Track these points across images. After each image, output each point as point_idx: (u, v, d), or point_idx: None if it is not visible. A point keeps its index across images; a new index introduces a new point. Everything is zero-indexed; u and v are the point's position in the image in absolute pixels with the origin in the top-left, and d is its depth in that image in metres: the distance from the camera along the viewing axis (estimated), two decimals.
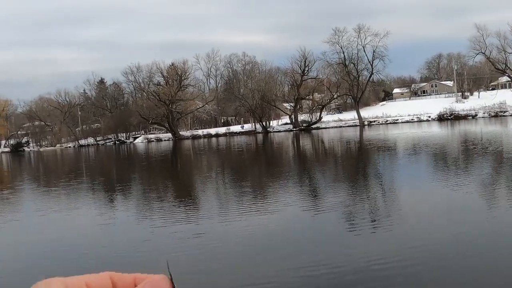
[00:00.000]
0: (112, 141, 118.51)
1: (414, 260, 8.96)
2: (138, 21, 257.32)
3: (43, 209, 19.69)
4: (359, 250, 9.99)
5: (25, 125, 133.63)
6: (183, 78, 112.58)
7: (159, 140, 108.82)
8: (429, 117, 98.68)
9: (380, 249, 9.87)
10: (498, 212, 12.62)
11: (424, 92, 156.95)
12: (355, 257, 9.51)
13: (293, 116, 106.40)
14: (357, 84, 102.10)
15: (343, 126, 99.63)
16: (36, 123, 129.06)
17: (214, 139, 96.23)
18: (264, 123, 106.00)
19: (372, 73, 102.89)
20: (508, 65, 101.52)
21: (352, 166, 29.15)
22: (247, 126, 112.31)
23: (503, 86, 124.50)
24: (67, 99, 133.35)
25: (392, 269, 8.57)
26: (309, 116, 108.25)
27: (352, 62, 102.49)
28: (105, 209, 18.90)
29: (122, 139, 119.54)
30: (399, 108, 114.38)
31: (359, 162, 31.83)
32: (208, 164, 40.70)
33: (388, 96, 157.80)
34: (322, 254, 9.94)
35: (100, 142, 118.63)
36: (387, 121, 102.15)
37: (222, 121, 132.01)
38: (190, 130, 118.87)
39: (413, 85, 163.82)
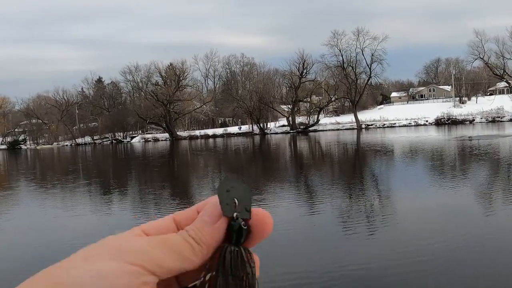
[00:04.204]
0: (109, 140, 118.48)
1: (407, 264, 8.96)
2: (137, 20, 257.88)
3: (41, 208, 19.65)
4: (352, 254, 9.98)
5: (22, 122, 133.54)
6: (181, 78, 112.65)
7: (156, 140, 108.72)
8: (427, 121, 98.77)
9: (369, 252, 9.87)
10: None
11: (422, 96, 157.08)
12: (346, 261, 9.50)
13: (290, 118, 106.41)
14: (355, 87, 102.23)
15: (341, 129, 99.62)
16: (34, 121, 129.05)
17: (211, 140, 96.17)
18: (261, 125, 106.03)
19: (370, 77, 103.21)
20: (506, 71, 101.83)
21: (348, 170, 29.13)
22: (245, 128, 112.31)
23: (501, 92, 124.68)
24: (65, 98, 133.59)
25: (381, 273, 8.57)
26: (307, 118, 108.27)
27: (350, 65, 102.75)
28: (102, 208, 18.86)
29: (119, 138, 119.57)
30: (397, 112, 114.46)
31: (355, 165, 31.82)
32: (205, 165, 40.64)
33: (386, 99, 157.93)
34: (314, 258, 9.93)
35: (97, 141, 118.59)
36: (384, 124, 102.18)
37: (220, 122, 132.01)
38: (188, 131, 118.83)
39: (411, 89, 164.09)
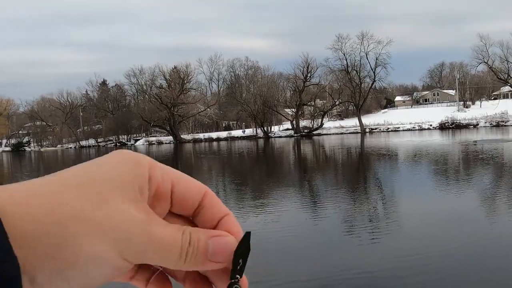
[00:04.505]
0: (113, 142, 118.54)
1: (408, 271, 8.95)
2: (141, 23, 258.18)
3: None
4: (355, 259, 9.96)
5: (26, 125, 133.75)
6: (185, 81, 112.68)
7: (160, 143, 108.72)
8: (431, 125, 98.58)
9: (372, 258, 9.85)
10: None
11: (426, 100, 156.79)
12: (349, 267, 9.49)
13: (294, 122, 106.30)
14: (359, 91, 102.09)
15: (345, 133, 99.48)
16: (38, 123, 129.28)
17: (215, 143, 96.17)
18: (265, 128, 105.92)
19: (374, 81, 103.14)
20: (511, 75, 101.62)
21: (352, 174, 29.10)
22: (249, 131, 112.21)
23: (505, 96, 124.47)
24: (69, 100, 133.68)
25: (385, 279, 8.56)
26: (311, 122, 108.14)
27: (354, 69, 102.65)
28: None
29: (123, 141, 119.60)
30: (401, 116, 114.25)
31: (359, 169, 31.78)
32: (209, 168, 40.65)
33: (390, 103, 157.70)
34: (317, 264, 9.92)
35: (101, 144, 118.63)
36: (388, 128, 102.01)
37: (224, 125, 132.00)
38: (192, 134, 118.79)
39: (415, 93, 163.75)
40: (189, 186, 0.60)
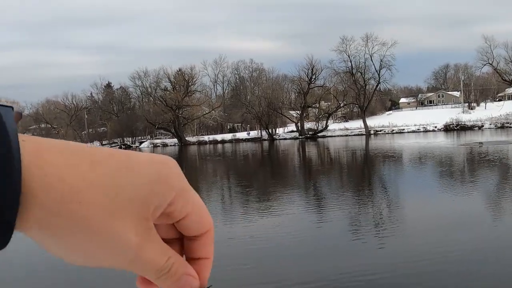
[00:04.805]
0: (118, 145, 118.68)
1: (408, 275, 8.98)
2: (146, 26, 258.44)
3: None
4: (360, 263, 9.99)
5: (31, 127, 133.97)
6: (190, 84, 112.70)
7: (165, 145, 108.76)
8: (435, 127, 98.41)
9: (378, 262, 9.88)
10: None
11: (430, 102, 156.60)
12: (351, 269, 9.52)
13: (299, 124, 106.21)
14: (364, 93, 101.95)
15: (349, 135, 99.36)
16: (43, 125, 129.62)
17: (220, 145, 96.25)
18: (270, 131, 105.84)
19: (379, 82, 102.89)
20: None
21: (358, 176, 29.12)
22: (253, 133, 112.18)
23: (510, 97, 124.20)
24: (74, 102, 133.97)
25: (390, 282, 8.59)
26: (315, 124, 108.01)
27: (359, 71, 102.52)
28: None
29: (128, 143, 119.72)
30: (406, 117, 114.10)
31: (365, 172, 31.79)
32: (214, 170, 40.73)
33: (394, 105, 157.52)
34: (322, 267, 9.95)
35: (106, 146, 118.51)
36: (393, 130, 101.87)
37: (228, 127, 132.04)
38: (196, 136, 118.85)
39: (419, 95, 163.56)
40: (199, 220, 0.63)
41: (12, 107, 0.52)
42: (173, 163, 0.60)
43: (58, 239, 0.53)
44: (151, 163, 0.58)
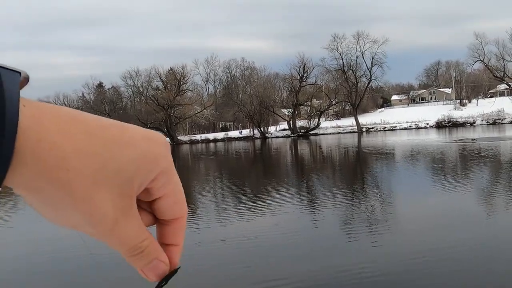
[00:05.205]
0: None
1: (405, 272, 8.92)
2: (137, 25, 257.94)
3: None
4: (352, 261, 9.93)
5: None
6: (181, 83, 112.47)
7: None
8: (427, 124, 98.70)
9: (373, 260, 9.82)
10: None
11: (422, 99, 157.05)
12: (346, 268, 9.46)
13: (291, 122, 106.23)
14: (356, 91, 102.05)
15: (341, 133, 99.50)
16: None
17: (212, 144, 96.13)
18: (262, 129, 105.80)
19: (370, 80, 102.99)
20: (507, 73, 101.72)
21: (349, 173, 29.07)
22: (245, 132, 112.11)
23: (501, 94, 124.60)
24: (66, 103, 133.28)
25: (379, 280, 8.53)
26: (307, 122, 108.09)
27: (350, 69, 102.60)
28: None
29: None
30: (397, 115, 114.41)
31: (357, 170, 31.76)
32: (206, 169, 40.63)
33: (386, 103, 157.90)
34: (315, 266, 9.88)
35: None
36: (385, 128, 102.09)
37: (220, 126, 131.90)
38: (188, 135, 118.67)
39: (411, 92, 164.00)
40: (174, 205, 0.65)
41: (19, 72, 0.56)
42: (164, 141, 0.62)
43: (43, 200, 0.55)
44: (143, 139, 0.60)
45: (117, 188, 0.57)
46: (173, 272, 0.66)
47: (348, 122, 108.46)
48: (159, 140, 0.61)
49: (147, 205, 0.65)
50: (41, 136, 0.52)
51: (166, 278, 0.65)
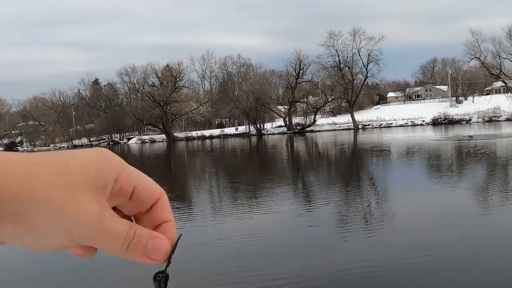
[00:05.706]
0: (106, 141, 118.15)
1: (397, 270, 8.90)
2: (133, 22, 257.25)
3: None
4: (349, 259, 9.91)
5: (19, 124, 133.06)
6: (177, 79, 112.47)
7: (153, 141, 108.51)
8: (423, 121, 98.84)
9: (368, 257, 9.79)
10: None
11: (418, 96, 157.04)
12: (343, 266, 9.43)
13: (287, 119, 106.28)
14: (352, 88, 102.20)
15: (337, 130, 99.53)
16: (30, 122, 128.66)
17: (208, 141, 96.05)
18: (258, 126, 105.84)
19: (366, 77, 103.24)
20: (503, 70, 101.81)
21: (345, 170, 29.06)
22: (241, 128, 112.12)
23: (497, 91, 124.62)
24: (62, 99, 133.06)
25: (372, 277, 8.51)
26: (303, 119, 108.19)
27: (347, 66, 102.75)
28: None
29: (116, 139, 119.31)
30: (393, 112, 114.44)
31: (352, 165, 31.75)
32: (202, 166, 40.58)
33: (382, 100, 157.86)
34: (311, 264, 9.85)
35: (94, 143, 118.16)
36: (381, 125, 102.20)
37: (216, 123, 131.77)
38: (184, 132, 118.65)
39: (407, 89, 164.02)
40: (147, 189, 0.67)
41: None
42: (106, 150, 0.64)
43: (25, 228, 0.58)
44: (88, 150, 0.64)
45: (90, 188, 0.60)
46: (176, 242, 0.67)
47: (344, 119, 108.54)
48: (102, 150, 0.64)
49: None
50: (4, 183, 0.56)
51: (173, 250, 0.66)
